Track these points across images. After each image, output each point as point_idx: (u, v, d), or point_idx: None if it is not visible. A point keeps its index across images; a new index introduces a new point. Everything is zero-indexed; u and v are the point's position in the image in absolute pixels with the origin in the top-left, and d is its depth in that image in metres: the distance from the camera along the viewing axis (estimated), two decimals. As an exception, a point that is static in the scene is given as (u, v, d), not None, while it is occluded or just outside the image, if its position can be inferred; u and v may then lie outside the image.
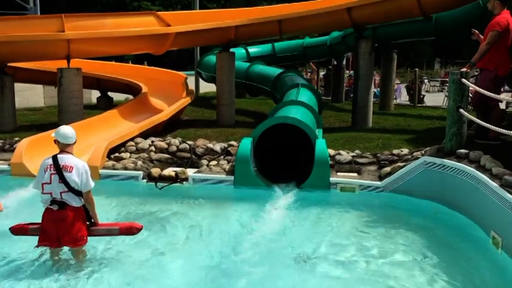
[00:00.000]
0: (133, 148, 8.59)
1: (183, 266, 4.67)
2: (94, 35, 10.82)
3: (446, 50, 47.10)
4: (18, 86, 12.88)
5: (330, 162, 7.40)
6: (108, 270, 4.46)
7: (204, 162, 8.02)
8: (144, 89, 12.55)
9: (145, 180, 7.54)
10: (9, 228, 4.64)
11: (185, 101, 12.05)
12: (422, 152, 7.12)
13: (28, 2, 20.06)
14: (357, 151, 8.26)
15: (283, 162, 7.99)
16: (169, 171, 7.66)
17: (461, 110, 6.09)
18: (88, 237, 4.56)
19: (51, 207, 4.38)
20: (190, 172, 7.60)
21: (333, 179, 7.12)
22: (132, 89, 13.86)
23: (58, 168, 4.34)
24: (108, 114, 10.58)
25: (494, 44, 6.52)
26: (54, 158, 4.41)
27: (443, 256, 4.87)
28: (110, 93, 15.81)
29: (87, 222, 4.58)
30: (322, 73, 23.85)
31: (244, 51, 18.42)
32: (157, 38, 11.58)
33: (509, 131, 4.96)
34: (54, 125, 7.68)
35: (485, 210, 5.19)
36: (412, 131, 10.90)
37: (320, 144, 7.29)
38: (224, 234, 5.50)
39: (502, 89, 9.48)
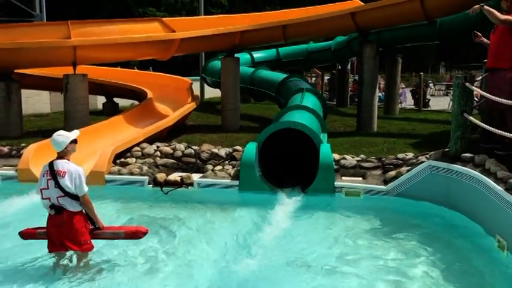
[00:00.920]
0: (139, 153, 8.64)
1: (188, 270, 4.68)
2: (100, 41, 10.93)
3: (450, 54, 46.93)
4: (24, 92, 13.03)
5: (335, 166, 7.41)
6: (113, 274, 4.50)
7: (209, 167, 8.05)
8: (150, 94, 12.61)
9: (151, 185, 7.59)
10: (19, 233, 4.72)
11: (190, 106, 12.11)
12: (427, 156, 7.12)
13: (34, 9, 20.20)
14: (362, 155, 8.27)
15: (288, 167, 8.01)
16: (175, 176, 7.70)
17: (466, 114, 6.09)
18: (93, 241, 4.61)
19: (50, 212, 4.47)
20: (196, 177, 7.64)
21: (337, 183, 7.14)
22: (137, 94, 13.93)
23: (53, 174, 4.42)
24: (113, 119, 10.66)
25: (510, 40, 6.15)
26: (50, 164, 4.50)
27: (448, 259, 4.86)
28: (115, 99, 15.92)
29: (91, 226, 4.62)
30: (326, 78, 23.86)
31: (248, 56, 18.47)
32: (162, 43, 11.68)
33: None
34: (61, 131, 7.73)
35: (491, 214, 5.18)
36: (417, 135, 10.89)
37: (325, 148, 7.30)
38: (229, 239, 5.51)
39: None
